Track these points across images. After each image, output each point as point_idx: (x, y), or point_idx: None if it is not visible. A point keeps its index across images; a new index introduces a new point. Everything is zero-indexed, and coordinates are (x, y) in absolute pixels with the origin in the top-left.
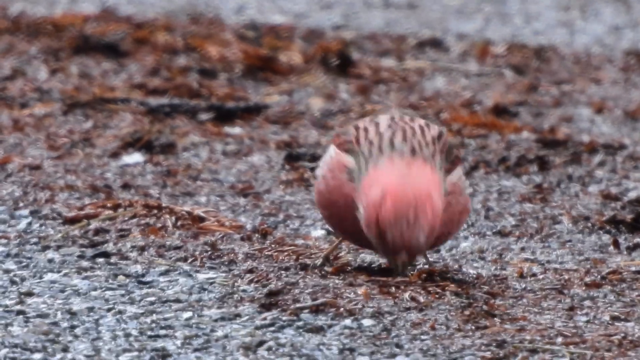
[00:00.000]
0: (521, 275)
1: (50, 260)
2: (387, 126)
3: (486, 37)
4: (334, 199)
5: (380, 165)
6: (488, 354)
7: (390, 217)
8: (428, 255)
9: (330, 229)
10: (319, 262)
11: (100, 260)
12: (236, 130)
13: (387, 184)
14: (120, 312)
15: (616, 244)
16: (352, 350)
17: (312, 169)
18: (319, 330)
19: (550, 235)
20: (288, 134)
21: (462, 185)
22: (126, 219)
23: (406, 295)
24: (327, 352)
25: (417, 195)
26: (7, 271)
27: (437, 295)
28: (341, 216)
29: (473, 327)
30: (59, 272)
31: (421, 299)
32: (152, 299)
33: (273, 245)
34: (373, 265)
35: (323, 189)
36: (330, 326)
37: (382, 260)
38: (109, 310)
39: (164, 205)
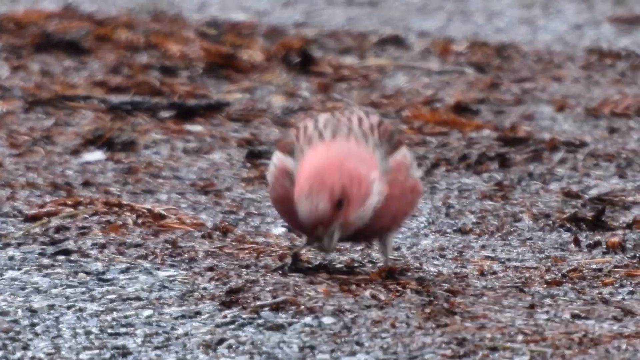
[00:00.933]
0: (482, 273)
1: (11, 258)
2: (325, 121)
3: (448, 35)
4: (284, 207)
5: (305, 154)
6: (449, 352)
7: (298, 194)
8: (389, 252)
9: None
10: (288, 261)
11: (61, 257)
12: (197, 127)
13: (302, 168)
14: (80, 309)
15: (577, 241)
16: (312, 348)
17: None
18: (279, 328)
19: (510, 233)
20: (249, 131)
21: (408, 163)
22: (87, 216)
23: (367, 293)
24: (287, 350)
25: (326, 166)
26: None
27: (397, 293)
28: (293, 220)
29: (434, 325)
30: (19, 269)
31: (382, 297)
32: (113, 296)
33: (234, 243)
34: (334, 263)
35: (273, 197)
36: (290, 324)
37: (343, 258)
38: (69, 307)
39: (124, 202)
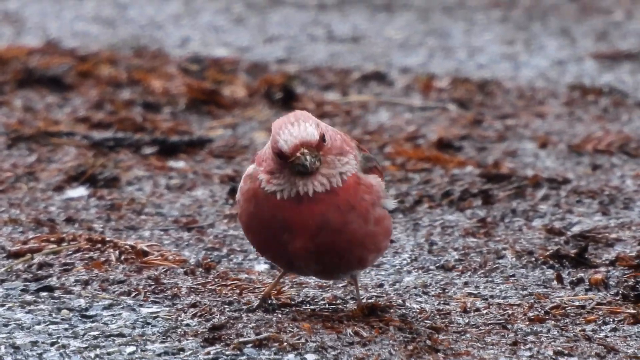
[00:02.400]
0: (465, 310)
1: None
2: None
3: (430, 71)
4: (260, 219)
5: None
6: None
7: (276, 126)
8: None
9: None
10: (255, 304)
11: (44, 294)
12: (180, 164)
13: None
14: (64, 346)
15: (560, 278)
16: None
17: None
18: None
19: (493, 270)
20: (232, 167)
21: (380, 190)
22: (70, 252)
23: (350, 330)
24: None
25: (305, 113)
26: None
27: (380, 330)
28: (262, 229)
29: None
30: (2, 306)
31: (364, 334)
32: (96, 333)
33: (216, 280)
34: (316, 300)
35: (248, 211)
36: None
37: (325, 295)
38: (52, 344)
39: (107, 239)
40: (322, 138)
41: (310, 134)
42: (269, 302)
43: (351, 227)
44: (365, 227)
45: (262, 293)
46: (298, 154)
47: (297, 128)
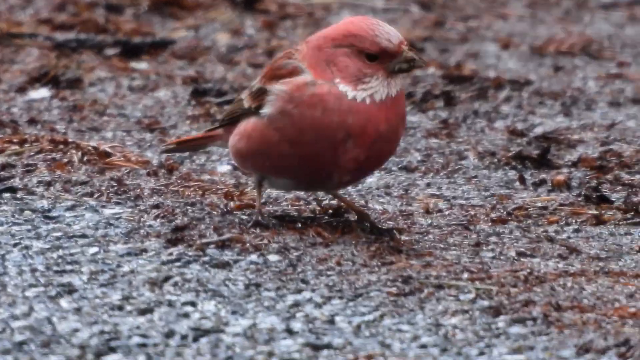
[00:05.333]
0: (427, 211)
1: None
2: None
3: None
4: (317, 115)
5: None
6: (394, 290)
7: (364, 28)
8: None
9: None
10: (249, 224)
11: (7, 195)
12: (142, 65)
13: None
14: (26, 247)
15: (522, 180)
16: (258, 285)
17: (219, 104)
18: (224, 265)
19: (456, 171)
20: (194, 69)
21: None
22: (32, 154)
23: (312, 230)
24: (233, 288)
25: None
26: None
27: (343, 231)
28: (320, 139)
29: (379, 263)
30: None
31: (327, 235)
32: (59, 234)
33: (179, 181)
34: (279, 201)
35: (297, 119)
36: (236, 261)
37: (288, 197)
38: (15, 245)
39: (70, 140)
40: None
41: (400, 35)
42: (262, 218)
43: (398, 136)
44: (401, 138)
45: (254, 212)
46: (404, 48)
47: (387, 27)
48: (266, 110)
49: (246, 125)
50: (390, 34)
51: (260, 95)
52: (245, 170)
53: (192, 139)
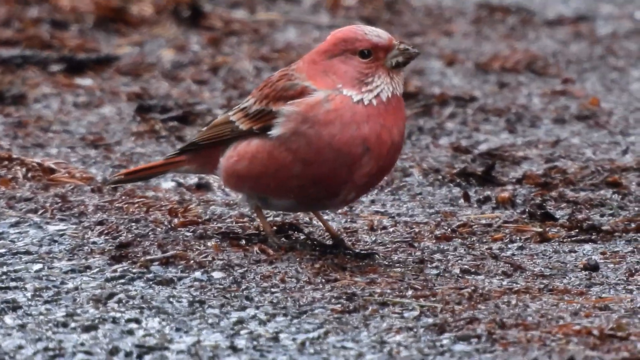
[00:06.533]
0: (372, 228)
1: None
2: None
3: None
4: (335, 130)
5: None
6: (338, 307)
7: (352, 31)
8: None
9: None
10: (272, 243)
11: None
12: (87, 81)
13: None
14: None
15: (466, 196)
16: (202, 302)
17: (163, 121)
18: (169, 282)
19: (400, 188)
20: (139, 85)
21: None
22: None
23: (256, 247)
24: (177, 305)
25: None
26: None
27: (287, 248)
28: (339, 155)
29: (323, 280)
30: None
31: (271, 252)
32: (2, 250)
33: (123, 197)
34: (224, 218)
35: (316, 137)
36: (180, 278)
37: (232, 213)
38: None
39: (14, 156)
40: None
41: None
42: (276, 240)
43: (403, 143)
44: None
45: (264, 234)
46: (395, 42)
47: (373, 27)
48: (275, 131)
49: (246, 147)
50: (378, 31)
51: (263, 116)
52: (238, 192)
53: (147, 168)
